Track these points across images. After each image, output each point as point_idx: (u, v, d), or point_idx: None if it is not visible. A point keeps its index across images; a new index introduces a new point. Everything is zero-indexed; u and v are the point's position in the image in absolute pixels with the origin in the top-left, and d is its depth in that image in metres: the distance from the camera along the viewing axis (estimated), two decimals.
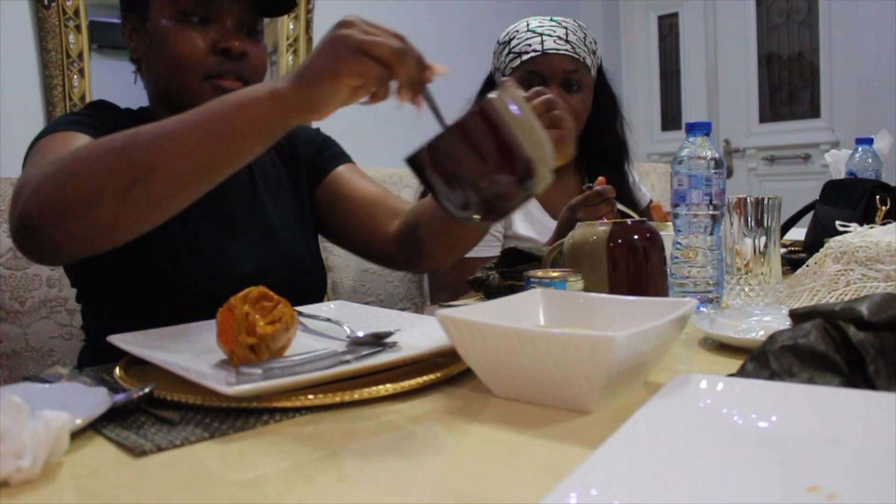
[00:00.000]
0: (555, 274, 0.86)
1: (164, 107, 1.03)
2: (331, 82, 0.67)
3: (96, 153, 0.73)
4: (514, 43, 1.54)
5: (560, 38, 1.52)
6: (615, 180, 1.50)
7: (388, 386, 0.65)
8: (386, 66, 0.67)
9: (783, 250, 1.31)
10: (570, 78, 1.53)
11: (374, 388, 0.65)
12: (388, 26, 0.69)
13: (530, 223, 1.57)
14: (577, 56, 1.52)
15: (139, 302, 0.98)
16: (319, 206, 1.18)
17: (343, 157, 1.20)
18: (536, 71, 1.52)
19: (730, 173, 3.85)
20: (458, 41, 3.38)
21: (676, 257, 1.02)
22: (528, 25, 1.55)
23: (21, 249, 0.81)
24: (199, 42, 0.98)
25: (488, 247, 1.53)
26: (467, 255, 1.52)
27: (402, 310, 1.04)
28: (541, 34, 1.52)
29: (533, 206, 1.59)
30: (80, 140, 0.90)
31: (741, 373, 0.60)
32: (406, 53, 0.67)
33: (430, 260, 1.10)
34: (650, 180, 2.28)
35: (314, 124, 1.27)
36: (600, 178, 1.37)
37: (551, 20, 1.55)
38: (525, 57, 1.51)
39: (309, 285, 1.12)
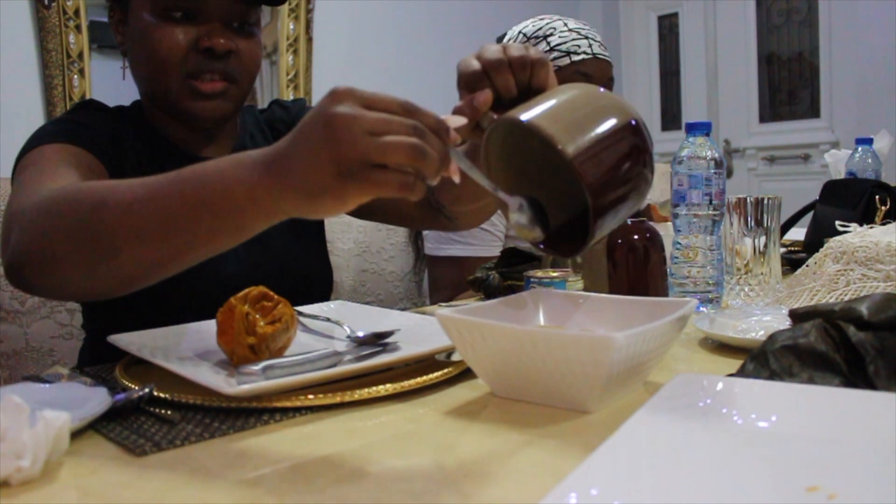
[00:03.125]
0: (555, 274, 0.87)
1: (151, 103, 1.01)
2: (334, 203, 0.55)
3: (68, 214, 0.67)
4: (555, 40, 1.53)
5: (601, 43, 1.54)
6: None
7: (388, 386, 0.65)
8: (407, 172, 0.54)
9: (783, 250, 1.31)
10: (608, 85, 1.55)
11: (374, 388, 0.65)
12: (386, 95, 0.55)
13: None
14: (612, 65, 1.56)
15: (130, 305, 0.97)
16: None
17: None
18: (587, 73, 1.52)
19: (730, 173, 3.85)
20: (458, 41, 3.38)
21: (676, 257, 1.02)
22: (566, 25, 1.55)
23: (13, 285, 0.76)
24: (179, 39, 0.91)
25: (488, 247, 1.53)
26: (467, 255, 1.52)
27: (402, 310, 1.04)
28: (586, 37, 1.53)
29: None
30: (70, 154, 0.87)
31: (741, 373, 0.60)
32: (424, 136, 0.54)
33: (454, 220, 0.98)
34: None
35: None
36: None
37: (584, 24, 1.56)
38: (576, 57, 1.52)
39: (305, 292, 1.03)
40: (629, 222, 0.95)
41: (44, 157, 0.86)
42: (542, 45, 1.53)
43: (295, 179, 0.55)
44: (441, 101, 0.70)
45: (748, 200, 1.02)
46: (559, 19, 1.56)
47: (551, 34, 1.54)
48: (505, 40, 1.59)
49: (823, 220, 1.32)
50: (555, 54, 1.52)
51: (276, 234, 1.07)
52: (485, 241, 1.53)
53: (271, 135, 1.13)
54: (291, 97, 2.97)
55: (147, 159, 0.99)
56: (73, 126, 0.93)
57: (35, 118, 2.41)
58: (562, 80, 1.62)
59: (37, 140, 0.90)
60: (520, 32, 1.57)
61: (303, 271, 1.09)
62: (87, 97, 2.48)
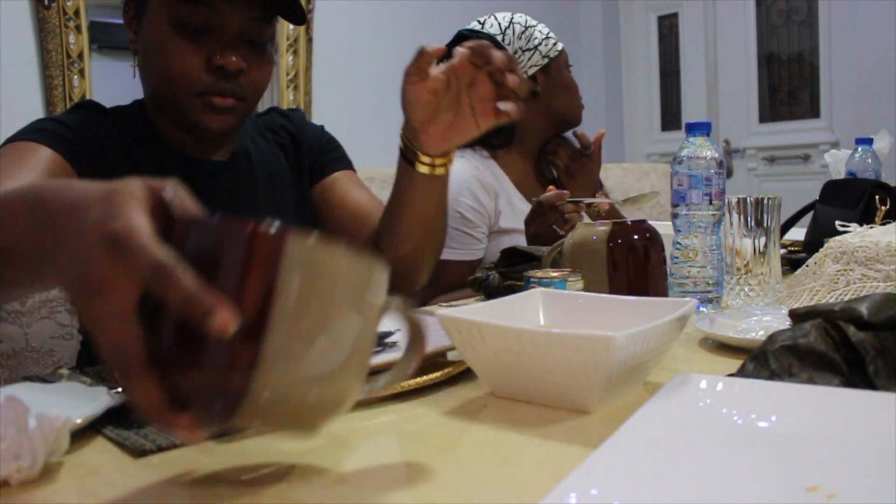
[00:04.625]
0: (555, 274, 0.86)
1: (157, 109, 1.01)
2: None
3: None
4: (544, 29, 1.64)
5: None
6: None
7: None
8: None
9: (783, 250, 1.31)
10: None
11: None
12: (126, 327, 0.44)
13: (514, 214, 1.56)
14: None
15: None
16: (311, 205, 1.15)
17: (344, 163, 1.17)
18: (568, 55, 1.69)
19: (730, 173, 3.85)
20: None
21: (676, 257, 1.02)
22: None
23: None
24: (192, 57, 0.91)
25: (470, 250, 1.53)
26: (448, 259, 1.50)
27: None
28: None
29: (514, 196, 1.59)
30: (38, 155, 0.87)
31: (741, 373, 0.60)
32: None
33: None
34: (650, 180, 2.29)
35: (317, 120, 1.27)
36: (549, 188, 1.33)
37: None
38: (562, 44, 1.65)
39: None
40: (629, 222, 0.95)
41: (9, 153, 0.88)
42: (537, 34, 1.61)
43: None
44: None
45: (748, 200, 1.02)
46: (520, 14, 1.66)
47: (535, 24, 1.64)
48: (500, 29, 1.61)
49: (823, 220, 1.32)
50: (552, 41, 1.62)
51: None
52: (465, 244, 1.53)
53: (272, 138, 1.13)
54: (291, 98, 2.97)
55: (146, 159, 0.99)
56: (57, 127, 0.93)
57: (35, 118, 2.41)
58: (560, 66, 1.74)
59: (17, 135, 0.92)
60: (513, 22, 1.61)
61: None
62: (87, 97, 2.48)
